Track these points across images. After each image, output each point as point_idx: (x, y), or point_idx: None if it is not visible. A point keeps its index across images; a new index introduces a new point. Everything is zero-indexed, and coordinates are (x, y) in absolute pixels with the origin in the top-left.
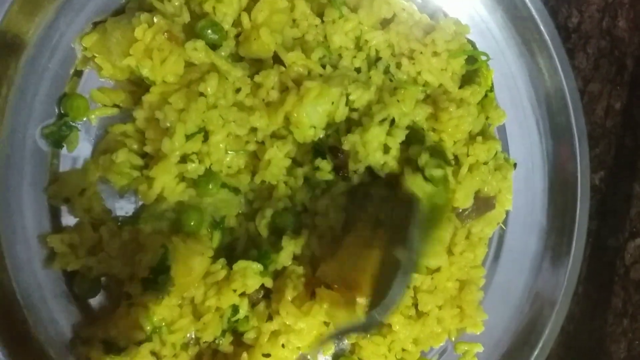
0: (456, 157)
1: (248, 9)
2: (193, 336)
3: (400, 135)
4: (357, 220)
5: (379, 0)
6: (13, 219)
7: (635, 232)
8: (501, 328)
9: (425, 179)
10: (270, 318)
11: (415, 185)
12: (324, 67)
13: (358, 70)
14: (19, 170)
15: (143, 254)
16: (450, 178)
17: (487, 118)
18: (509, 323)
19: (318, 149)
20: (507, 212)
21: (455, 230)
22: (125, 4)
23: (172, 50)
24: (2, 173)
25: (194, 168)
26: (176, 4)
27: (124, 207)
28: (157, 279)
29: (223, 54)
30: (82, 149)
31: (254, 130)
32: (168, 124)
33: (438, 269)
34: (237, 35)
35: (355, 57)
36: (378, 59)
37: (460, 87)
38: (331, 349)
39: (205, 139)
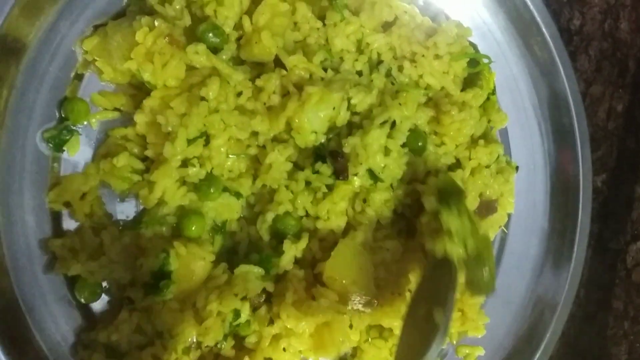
0: (458, 161)
1: (249, 12)
2: (195, 340)
3: (401, 138)
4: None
5: (380, 3)
6: (14, 223)
7: (637, 235)
8: (503, 331)
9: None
10: (271, 322)
11: (453, 250)
12: (325, 70)
13: (360, 73)
14: (19, 174)
15: (144, 259)
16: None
17: (489, 121)
18: (510, 326)
19: (319, 153)
20: (509, 215)
21: None
22: (126, 7)
23: (173, 54)
24: (3, 177)
25: (195, 172)
26: (177, 7)
27: (125, 211)
28: (159, 284)
29: (224, 57)
30: (82, 152)
31: (255, 134)
32: (170, 129)
33: None
34: (239, 39)
35: (356, 60)
36: (380, 62)
37: (462, 90)
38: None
39: (207, 143)
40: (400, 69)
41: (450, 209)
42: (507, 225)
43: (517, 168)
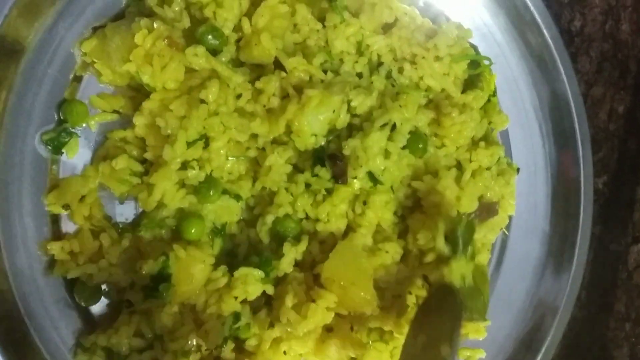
0: (459, 163)
1: (249, 14)
2: (194, 343)
3: (401, 140)
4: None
5: (380, 5)
6: (13, 226)
7: (638, 237)
8: (504, 334)
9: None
10: (271, 325)
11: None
12: (325, 72)
13: (360, 75)
14: (18, 177)
15: (143, 262)
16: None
17: (489, 123)
18: (511, 329)
19: (318, 156)
20: (510, 217)
21: None
22: (125, 9)
23: (172, 57)
24: (2, 179)
25: (194, 174)
26: (176, 9)
27: (124, 213)
28: (158, 287)
29: (224, 59)
30: (81, 155)
31: (254, 136)
32: (169, 131)
33: None
34: (238, 41)
35: (356, 62)
36: (380, 63)
37: (463, 91)
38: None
39: (206, 145)
40: (401, 70)
41: (458, 253)
42: (508, 228)
43: (518, 170)
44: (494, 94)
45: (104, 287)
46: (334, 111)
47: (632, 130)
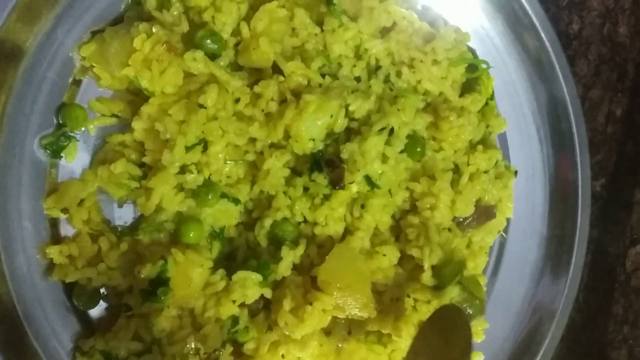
0: (457, 166)
1: (247, 18)
2: (193, 347)
3: (399, 144)
4: None
5: (378, 9)
6: (12, 230)
7: (636, 239)
8: (502, 336)
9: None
10: (270, 328)
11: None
12: (323, 76)
13: (358, 79)
14: (17, 181)
15: (142, 266)
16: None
17: (487, 126)
18: (509, 331)
19: (315, 160)
20: (508, 221)
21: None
22: (124, 13)
23: (171, 61)
24: (1, 183)
25: (193, 178)
26: (175, 13)
27: (123, 217)
28: (157, 291)
29: (222, 63)
30: (80, 159)
31: (252, 140)
32: (168, 136)
33: None
34: (236, 45)
35: (355, 66)
36: (378, 67)
37: (461, 95)
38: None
39: (205, 149)
40: (399, 74)
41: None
42: (506, 231)
43: (515, 173)
44: (492, 97)
45: (102, 290)
46: (331, 116)
47: (630, 133)
